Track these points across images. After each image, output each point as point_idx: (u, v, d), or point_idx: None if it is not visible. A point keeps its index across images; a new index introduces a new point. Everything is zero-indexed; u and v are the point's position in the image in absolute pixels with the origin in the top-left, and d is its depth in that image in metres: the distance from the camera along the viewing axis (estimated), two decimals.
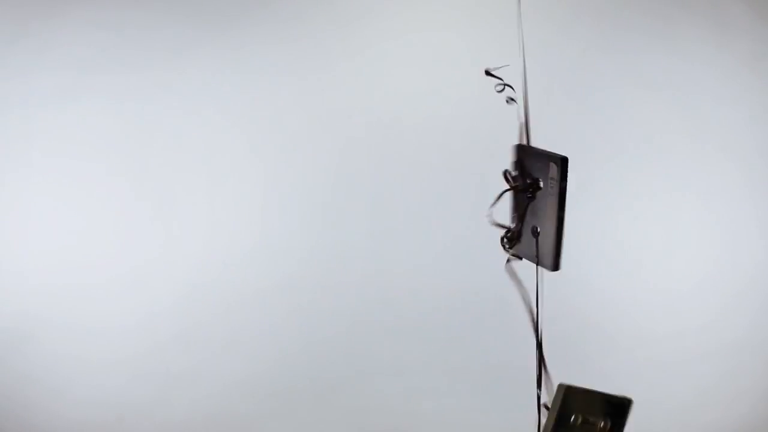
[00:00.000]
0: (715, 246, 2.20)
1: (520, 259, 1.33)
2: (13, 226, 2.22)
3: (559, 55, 2.23)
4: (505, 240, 1.31)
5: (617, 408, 1.27)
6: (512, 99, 1.26)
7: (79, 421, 2.19)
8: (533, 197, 1.27)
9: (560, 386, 1.26)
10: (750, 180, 2.21)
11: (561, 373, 2.20)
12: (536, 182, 1.28)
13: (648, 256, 2.20)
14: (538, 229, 1.24)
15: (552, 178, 1.20)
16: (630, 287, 2.20)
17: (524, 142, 1.29)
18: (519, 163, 1.26)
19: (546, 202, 1.21)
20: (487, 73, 1.24)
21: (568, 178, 1.22)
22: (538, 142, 2.23)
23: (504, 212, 1.50)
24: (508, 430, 2.19)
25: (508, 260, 1.35)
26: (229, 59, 2.23)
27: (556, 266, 1.25)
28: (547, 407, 1.35)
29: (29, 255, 2.21)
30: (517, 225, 1.25)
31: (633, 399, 1.27)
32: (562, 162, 1.21)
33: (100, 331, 2.21)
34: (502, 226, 1.34)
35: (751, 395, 2.19)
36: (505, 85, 1.26)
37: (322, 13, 2.25)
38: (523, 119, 1.29)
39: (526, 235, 1.30)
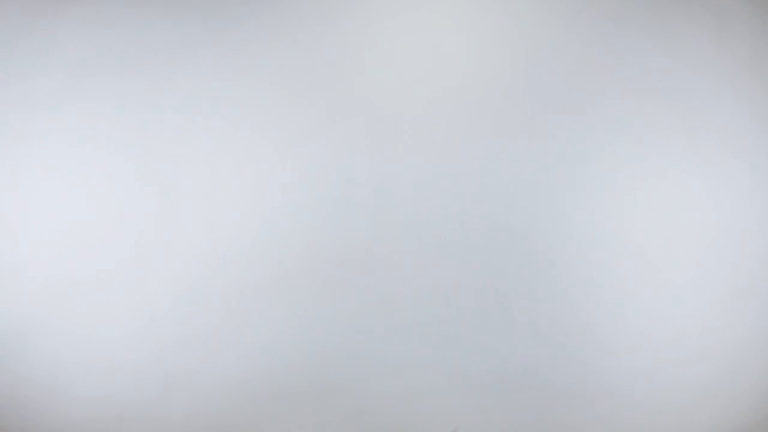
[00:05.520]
0: (715, 246, 2.20)
1: None
2: (13, 227, 2.22)
3: (559, 55, 2.23)
4: None
5: None
6: None
7: (78, 420, 2.19)
8: None
9: None
10: (751, 180, 2.21)
11: (562, 374, 2.20)
12: None
13: (648, 257, 2.20)
14: None
15: None
16: (630, 288, 2.20)
17: None
18: None
19: None
20: None
21: None
22: (539, 140, 2.23)
23: None
24: (508, 430, 2.19)
25: None
26: (230, 58, 2.23)
27: None
28: None
29: (29, 256, 2.21)
30: None
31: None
32: None
33: (100, 332, 2.20)
34: None
35: (750, 396, 2.19)
36: None
37: (322, 14, 2.25)
38: None
39: None
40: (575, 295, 2.20)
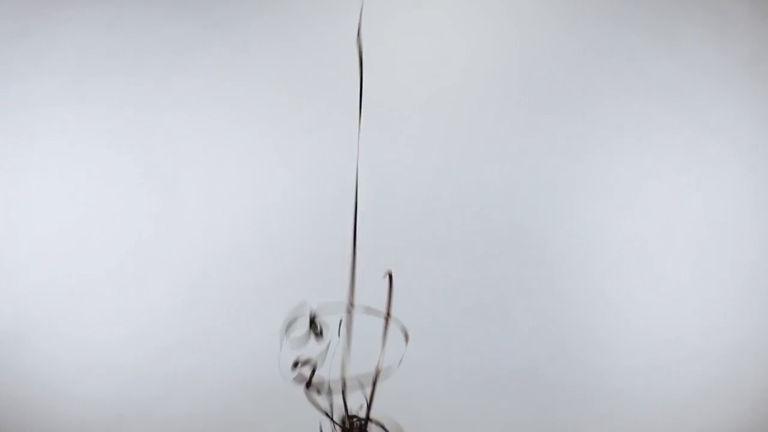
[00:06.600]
0: (715, 246, 2.20)
1: None
2: (13, 227, 2.22)
3: (559, 55, 2.23)
4: None
5: None
6: None
7: (78, 420, 2.19)
8: None
9: None
10: (751, 180, 2.21)
11: (562, 374, 2.20)
12: None
13: (648, 257, 2.20)
14: None
15: None
16: (630, 288, 2.20)
17: None
18: None
19: None
20: None
21: None
22: (538, 141, 2.24)
23: None
24: (508, 430, 2.19)
25: None
26: (230, 58, 2.23)
27: None
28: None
29: (29, 256, 2.21)
30: None
31: None
32: None
33: (100, 332, 2.21)
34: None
35: (750, 396, 2.19)
36: None
37: (322, 14, 2.25)
38: None
39: None
40: (575, 294, 2.20)
